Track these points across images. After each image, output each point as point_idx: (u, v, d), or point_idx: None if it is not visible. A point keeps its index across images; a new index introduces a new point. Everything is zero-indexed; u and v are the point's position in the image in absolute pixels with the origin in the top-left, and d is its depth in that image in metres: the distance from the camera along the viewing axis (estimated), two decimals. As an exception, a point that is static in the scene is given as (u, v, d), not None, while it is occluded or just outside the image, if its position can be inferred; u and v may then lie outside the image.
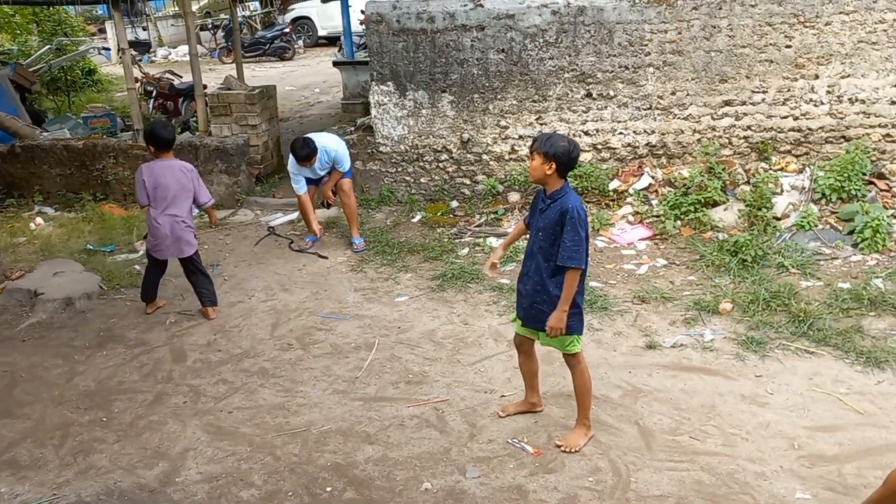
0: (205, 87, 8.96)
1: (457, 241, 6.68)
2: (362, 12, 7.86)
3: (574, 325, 3.60)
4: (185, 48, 18.27)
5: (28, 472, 3.79)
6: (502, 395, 4.27)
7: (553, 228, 3.52)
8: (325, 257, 6.54)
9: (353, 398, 4.33)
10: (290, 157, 6.47)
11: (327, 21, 20.94)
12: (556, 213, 3.50)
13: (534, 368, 4.01)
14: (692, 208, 6.49)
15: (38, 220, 7.81)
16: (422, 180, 7.56)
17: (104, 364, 4.89)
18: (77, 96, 13.58)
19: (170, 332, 5.30)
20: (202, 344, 5.10)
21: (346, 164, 6.64)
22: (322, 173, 6.67)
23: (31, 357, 5.03)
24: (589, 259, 3.60)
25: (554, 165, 3.47)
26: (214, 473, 3.70)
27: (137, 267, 6.45)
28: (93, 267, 6.40)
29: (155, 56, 21.22)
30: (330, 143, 6.55)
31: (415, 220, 7.26)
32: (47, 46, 13.88)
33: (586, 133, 7.15)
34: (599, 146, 7.17)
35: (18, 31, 14.27)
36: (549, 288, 3.59)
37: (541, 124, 7.18)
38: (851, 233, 6.04)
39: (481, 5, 7.01)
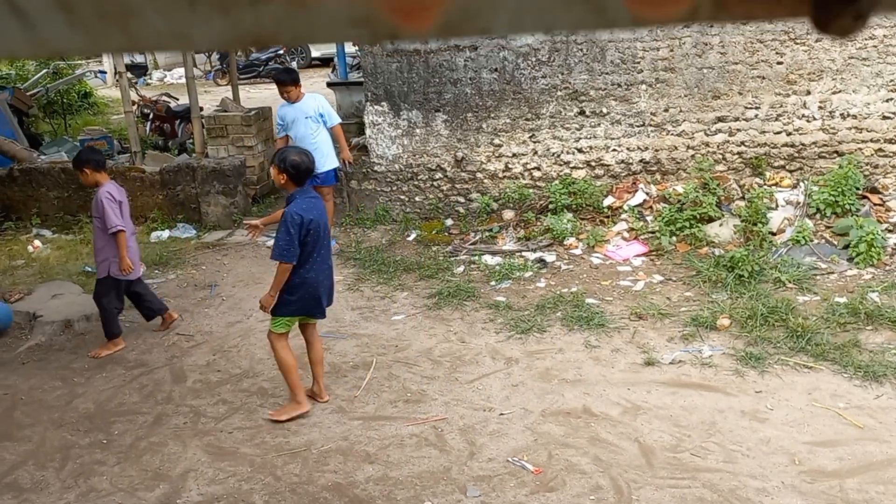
0: (201, 109, 9.02)
1: (452, 259, 6.71)
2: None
3: (276, 309, 4.21)
4: (181, 71, 18.38)
5: (30, 495, 3.78)
6: (501, 413, 4.27)
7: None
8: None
9: (353, 417, 4.33)
10: (279, 106, 6.89)
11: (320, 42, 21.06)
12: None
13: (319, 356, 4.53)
14: (687, 224, 6.54)
15: (37, 242, 7.82)
16: (416, 199, 7.60)
17: (104, 386, 4.88)
18: (74, 119, 13.63)
19: (169, 353, 5.30)
20: (201, 364, 5.10)
21: (334, 118, 6.96)
22: (307, 129, 6.76)
23: (30, 379, 5.02)
24: (297, 255, 4.10)
25: (285, 175, 4.18)
26: (216, 494, 3.70)
27: (135, 289, 6.44)
28: (91, 289, 6.39)
29: (151, 79, 21.32)
30: (318, 97, 6.94)
31: (410, 238, 7.28)
32: (44, 70, 13.95)
33: (580, 150, 7.21)
34: (593, 163, 7.23)
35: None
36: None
37: (534, 142, 7.24)
38: (846, 247, 6.09)
39: (475, 26, 7.08)
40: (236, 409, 4.50)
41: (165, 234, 7.80)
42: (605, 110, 7.08)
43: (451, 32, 0.31)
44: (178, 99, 12.22)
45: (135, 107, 10.71)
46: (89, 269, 6.92)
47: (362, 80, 7.84)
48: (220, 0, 0.29)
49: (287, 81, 6.75)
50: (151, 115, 11.36)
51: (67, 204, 8.35)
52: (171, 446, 4.14)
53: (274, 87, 7.37)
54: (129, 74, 9.95)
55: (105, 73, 19.34)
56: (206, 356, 5.22)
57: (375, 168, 7.60)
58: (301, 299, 4.24)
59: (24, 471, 3.99)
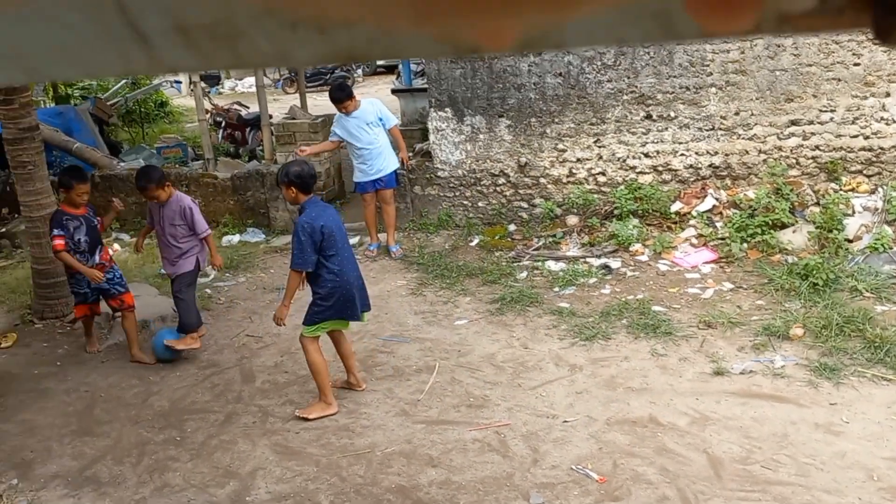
0: (270, 117, 9.26)
1: (515, 264, 6.70)
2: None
3: (310, 318, 4.41)
4: (251, 80, 18.90)
5: (108, 489, 3.95)
6: (564, 421, 4.24)
7: None
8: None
9: (416, 420, 4.37)
10: (335, 118, 7.06)
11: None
12: None
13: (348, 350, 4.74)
14: (759, 230, 6.36)
15: (116, 246, 8.16)
16: (479, 204, 7.62)
17: (177, 385, 5.06)
18: (150, 128, 14.18)
19: (239, 354, 5.45)
20: (270, 365, 5.24)
21: (391, 119, 7.11)
22: (370, 135, 6.88)
23: (109, 378, 5.25)
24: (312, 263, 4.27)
25: (294, 188, 4.30)
26: (283, 493, 3.79)
27: (208, 291, 6.66)
28: (166, 291, 6.64)
29: (223, 88, 22.01)
30: (375, 101, 7.10)
31: (473, 243, 7.30)
32: (123, 81, 14.53)
33: (646, 155, 7.10)
34: (660, 168, 7.11)
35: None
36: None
37: (599, 147, 7.17)
38: (929, 255, 5.82)
39: (540, 31, 7.06)
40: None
41: (236, 238, 8.04)
42: (672, 114, 6.96)
43: (527, 48, 0.33)
44: (248, 107, 12.57)
45: (208, 115, 11.07)
46: (164, 272, 7.18)
47: (426, 86, 7.92)
48: (319, 22, 0.31)
49: (343, 98, 6.85)
50: (223, 123, 11.72)
51: (144, 209, 8.67)
52: (241, 445, 4.26)
53: (341, 94, 7.48)
54: (202, 84, 10.30)
55: (180, 83, 20.05)
56: (274, 357, 5.35)
57: (439, 173, 7.66)
58: (335, 304, 4.37)
59: (103, 465, 4.18)
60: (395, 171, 7.09)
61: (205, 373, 5.21)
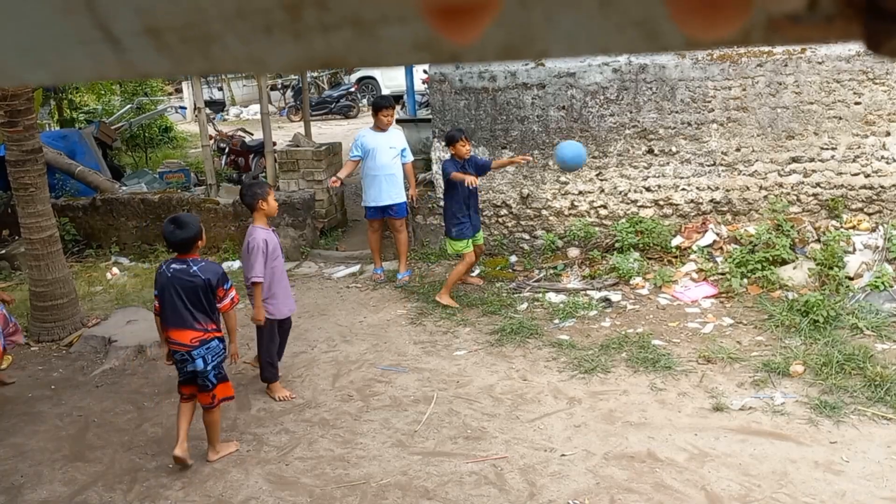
0: (274, 143, 9.31)
1: (515, 295, 6.68)
2: (425, 72, 8.16)
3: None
4: (256, 107, 19.07)
5: (97, 516, 3.89)
6: (562, 454, 4.19)
7: None
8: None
9: (412, 452, 4.32)
10: (358, 136, 7.19)
11: (390, 81, 21.57)
12: None
13: None
14: (759, 266, 6.35)
15: (115, 269, 8.16)
16: (482, 235, 7.62)
17: (172, 411, 5.00)
18: (154, 152, 14.26)
19: (234, 381, 5.39)
20: (266, 393, 5.19)
21: (410, 156, 7.29)
22: (390, 158, 6.99)
23: (103, 402, 5.20)
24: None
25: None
26: (275, 524, 3.73)
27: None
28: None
29: (228, 115, 22.19)
30: (401, 133, 7.37)
31: (474, 274, 7.29)
32: (128, 106, 14.69)
33: (648, 189, 7.12)
34: (661, 202, 7.12)
35: (103, 92, 15.16)
36: None
37: (601, 180, 7.19)
38: (930, 294, 5.80)
39: (542, 64, 7.14)
40: (298, 439, 4.55)
41: (236, 264, 8.02)
42: (674, 149, 6.99)
43: (509, 55, 0.32)
44: (252, 134, 12.65)
45: (211, 141, 11.14)
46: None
47: (430, 116, 7.97)
48: (294, 27, 0.31)
49: (391, 105, 7.10)
50: (227, 150, 11.79)
51: (145, 233, 8.70)
52: (234, 473, 4.21)
53: (345, 122, 7.61)
54: (207, 110, 10.38)
55: (185, 108, 20.23)
56: (270, 385, 5.30)
57: (441, 203, 7.67)
58: None
59: (94, 491, 4.12)
60: (405, 202, 7.16)
61: (200, 399, 5.16)
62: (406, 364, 5.51)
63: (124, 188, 9.52)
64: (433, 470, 4.12)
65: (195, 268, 4.13)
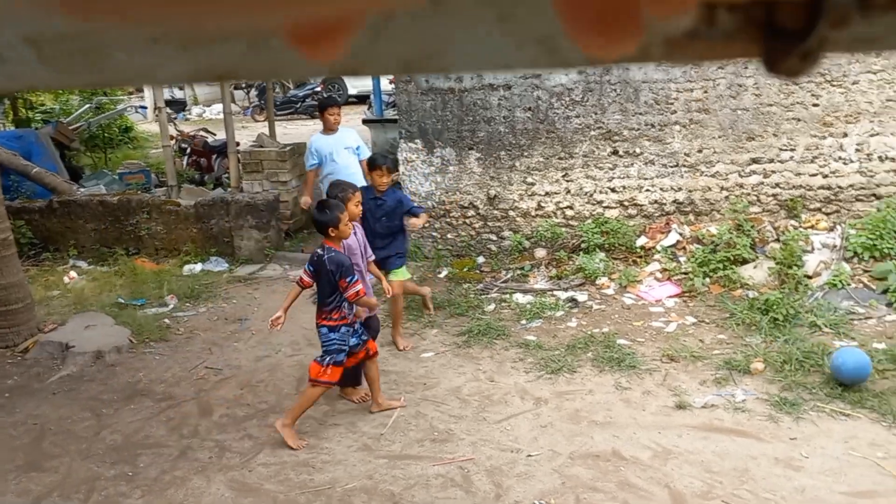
0: (237, 144, 9.19)
1: (483, 296, 6.68)
2: (392, 72, 8.11)
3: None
4: (219, 107, 18.82)
5: (53, 527, 3.78)
6: (528, 455, 4.19)
7: None
8: None
9: (378, 455, 4.29)
10: (310, 142, 6.97)
11: (357, 80, 21.48)
12: None
13: None
14: (721, 266, 6.44)
15: (73, 273, 7.97)
16: (448, 236, 7.61)
17: (131, 418, 4.91)
18: (114, 153, 13.99)
19: (197, 387, 5.32)
20: (229, 398, 5.11)
21: (366, 151, 7.00)
22: (347, 158, 6.82)
23: (60, 410, 5.07)
24: None
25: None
26: (237, 531, 3.66)
27: (167, 321, 6.52)
28: (123, 321, 6.49)
29: (190, 114, 21.88)
30: (353, 130, 7.09)
31: (441, 275, 7.28)
32: (87, 105, 14.38)
33: (613, 190, 7.18)
34: (626, 203, 7.19)
35: (60, 91, 14.83)
36: None
37: (567, 181, 7.23)
38: (885, 292, 5.93)
39: (508, 66, 7.14)
40: (262, 444, 4.49)
41: (198, 267, 7.91)
42: (638, 150, 7.06)
43: (410, 69, 0.32)
44: (215, 134, 12.49)
45: (173, 141, 10.96)
46: (122, 301, 7.03)
47: (397, 117, 7.94)
48: (182, 39, 0.30)
49: (336, 104, 7.00)
50: (189, 150, 11.62)
51: (104, 236, 8.52)
52: (196, 481, 4.13)
53: (310, 122, 7.56)
54: (168, 110, 10.21)
55: (146, 108, 19.89)
56: (233, 390, 5.23)
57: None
58: None
59: (50, 502, 4.01)
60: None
61: (160, 406, 5.06)
62: (372, 366, 5.46)
63: (82, 190, 9.31)
64: (399, 473, 4.09)
65: (326, 256, 4.35)
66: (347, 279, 4.33)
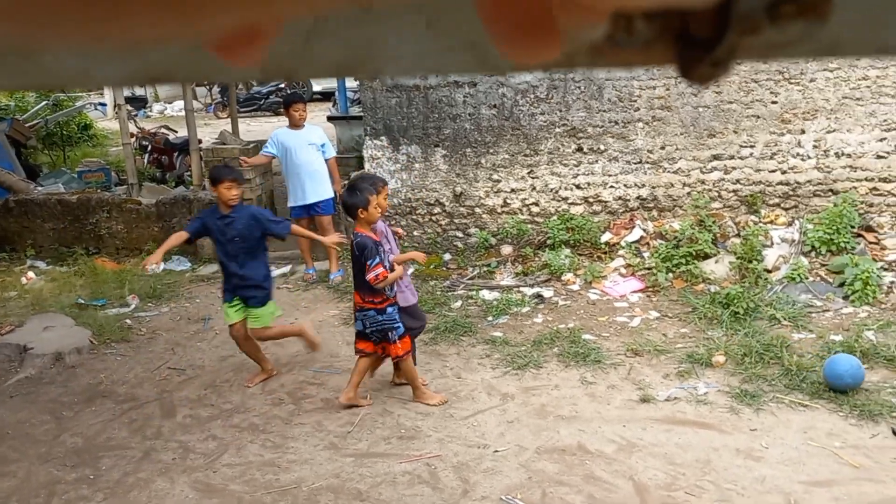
0: (200, 141, 9.07)
1: (449, 293, 6.69)
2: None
3: None
4: (180, 103, 18.55)
5: (11, 533, 3.70)
6: (495, 451, 4.21)
7: None
8: None
9: (345, 454, 4.27)
10: (272, 134, 7.09)
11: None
12: None
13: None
14: (683, 261, 6.54)
15: (30, 274, 7.79)
16: (415, 233, 7.60)
17: (92, 420, 4.82)
18: (73, 151, 13.69)
19: (160, 388, 5.24)
20: (192, 399, 5.05)
21: (332, 150, 7.14)
22: (310, 155, 6.91)
23: (18, 413, 4.96)
24: None
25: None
26: (202, 533, 3.62)
27: (129, 321, 6.41)
28: (83, 321, 6.37)
29: (151, 111, 21.50)
30: (318, 128, 7.24)
31: (408, 272, 7.26)
32: (44, 102, 14.06)
33: (578, 186, 7.24)
34: (591, 199, 7.25)
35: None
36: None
37: (532, 178, 7.27)
38: (842, 285, 6.08)
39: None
40: (226, 445, 4.44)
41: (160, 266, 7.77)
42: (602, 147, 7.13)
43: (342, 72, 0.33)
44: (177, 131, 12.29)
45: (133, 139, 10.77)
46: (82, 301, 6.89)
47: (362, 114, 7.91)
48: (121, 42, 0.30)
49: (301, 100, 6.98)
50: (150, 147, 11.42)
51: (63, 236, 8.34)
52: (159, 483, 4.07)
53: (274, 119, 7.52)
54: (128, 107, 10.03)
55: (105, 105, 19.52)
56: (197, 391, 5.16)
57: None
58: None
59: (9, 506, 3.92)
60: (332, 199, 7.06)
61: (122, 407, 4.98)
62: (339, 365, 5.44)
63: (40, 188, 9.10)
64: (366, 471, 4.08)
65: (356, 240, 4.45)
66: (369, 262, 4.39)
